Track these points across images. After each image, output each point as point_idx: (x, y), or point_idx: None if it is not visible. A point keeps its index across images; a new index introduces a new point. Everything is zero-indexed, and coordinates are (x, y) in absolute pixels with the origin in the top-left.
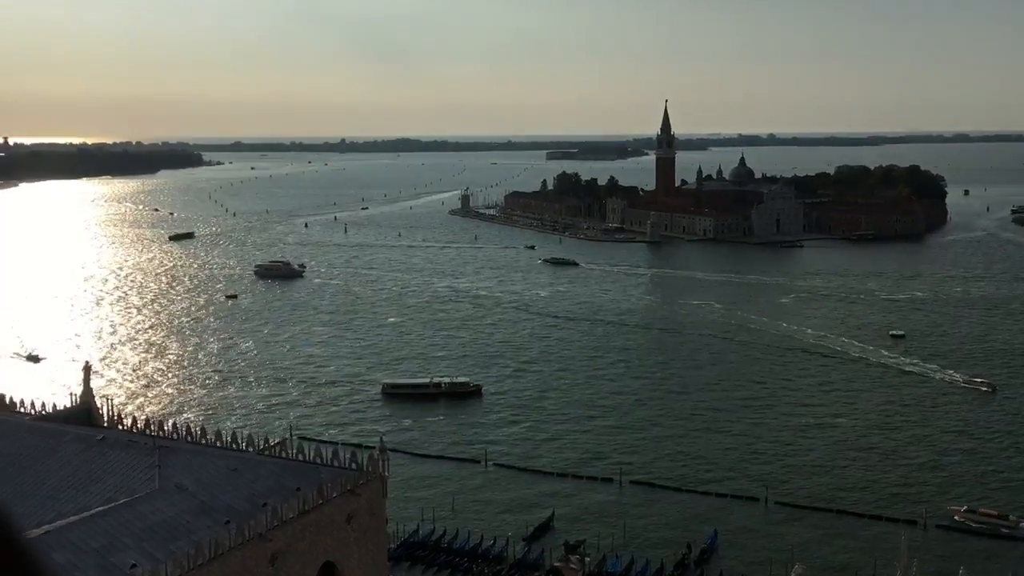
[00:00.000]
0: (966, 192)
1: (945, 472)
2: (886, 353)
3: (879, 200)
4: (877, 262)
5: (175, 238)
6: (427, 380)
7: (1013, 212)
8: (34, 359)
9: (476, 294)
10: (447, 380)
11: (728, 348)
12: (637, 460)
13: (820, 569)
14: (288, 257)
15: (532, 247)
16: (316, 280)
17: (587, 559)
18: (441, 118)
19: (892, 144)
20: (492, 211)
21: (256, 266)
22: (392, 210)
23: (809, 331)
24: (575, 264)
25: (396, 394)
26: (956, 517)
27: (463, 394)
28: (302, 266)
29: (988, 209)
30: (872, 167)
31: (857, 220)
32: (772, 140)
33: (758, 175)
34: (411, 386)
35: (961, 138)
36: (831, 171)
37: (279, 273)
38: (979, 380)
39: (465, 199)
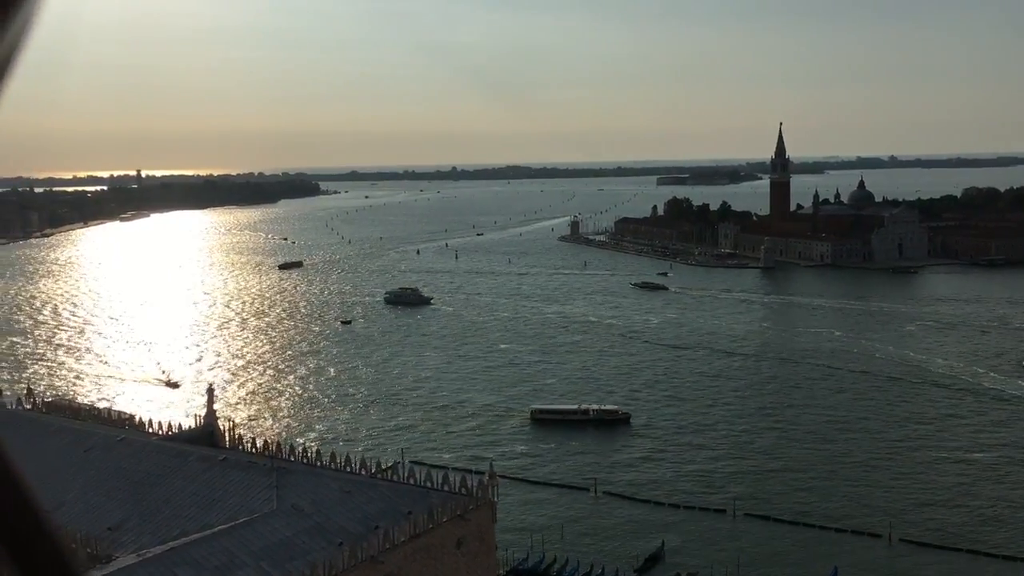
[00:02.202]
0: None
1: None
2: (1022, 384)
3: (1010, 223)
4: (1009, 288)
5: (284, 267)
6: (575, 406)
7: None
8: (173, 385)
9: (587, 320)
10: (596, 407)
11: (849, 378)
12: (752, 492)
13: None
14: (405, 283)
15: (664, 274)
16: (441, 308)
17: None
18: (551, 145)
19: None
20: (602, 237)
21: (386, 292)
22: (502, 237)
23: (939, 360)
24: (665, 288)
25: (544, 420)
26: None
27: (611, 421)
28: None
29: None
30: (1002, 189)
31: (986, 245)
32: (893, 162)
33: (878, 198)
34: (559, 412)
35: None
36: (958, 194)
37: (408, 300)
38: None
39: (574, 225)
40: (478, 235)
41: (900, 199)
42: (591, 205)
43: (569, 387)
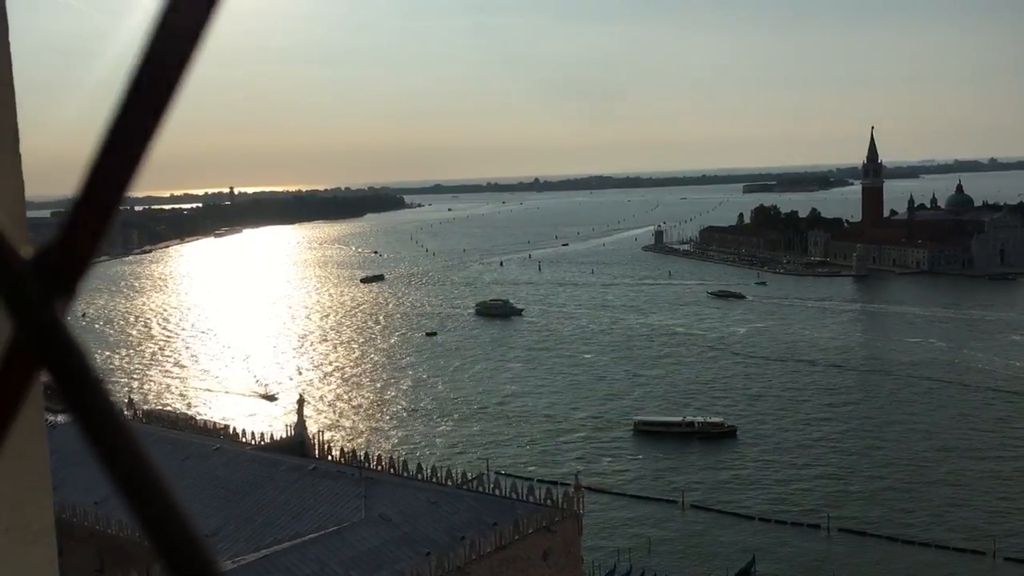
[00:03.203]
0: None
1: None
2: None
3: None
4: None
5: (366, 280)
6: (680, 419)
7: None
8: (270, 398)
9: (673, 331)
10: (700, 419)
11: (950, 391)
12: (847, 507)
13: None
14: (489, 295)
15: (763, 283)
16: (532, 319)
17: None
18: (635, 154)
19: None
20: (686, 246)
21: (476, 304)
22: (586, 247)
23: None
24: (742, 296)
25: (648, 432)
26: None
27: (717, 435)
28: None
29: None
30: None
31: None
32: (994, 165)
33: (978, 203)
34: (663, 424)
35: None
36: None
37: (499, 311)
38: None
39: (659, 235)
40: (563, 245)
41: (1001, 203)
42: (675, 214)
43: (655, 399)
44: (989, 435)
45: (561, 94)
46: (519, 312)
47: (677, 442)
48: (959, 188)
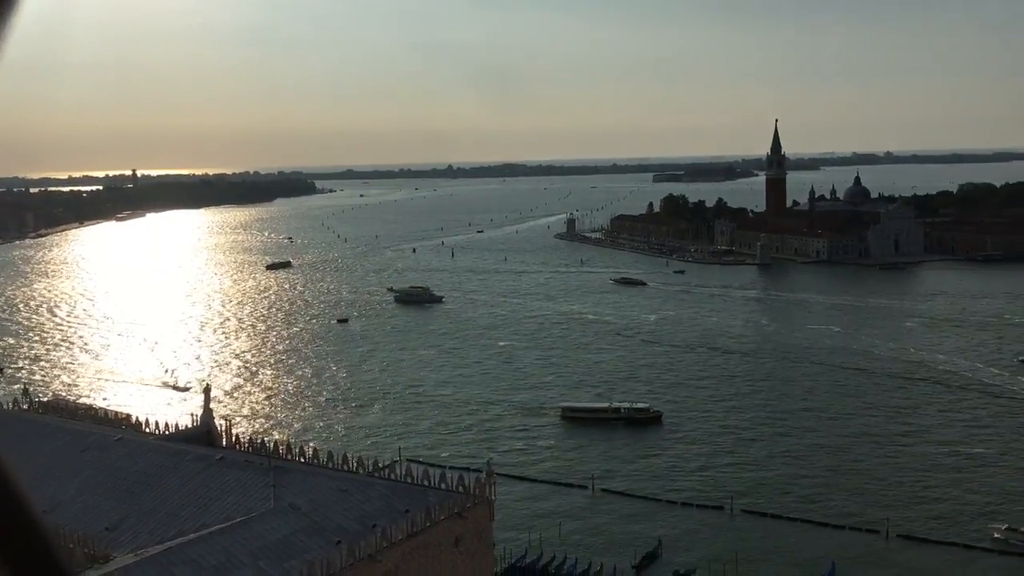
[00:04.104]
0: None
1: None
2: (1022, 379)
3: (1007, 219)
4: (1006, 284)
5: (272, 267)
6: (606, 405)
7: None
8: (175, 387)
9: (584, 318)
10: (627, 405)
11: (850, 375)
12: (752, 489)
13: None
14: (402, 282)
15: (681, 272)
16: (453, 306)
17: None
18: (548, 142)
19: (1021, 160)
20: (598, 234)
21: (395, 291)
22: (499, 234)
23: (939, 356)
24: (644, 284)
25: (575, 418)
26: (995, 535)
27: (643, 420)
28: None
29: None
30: (999, 185)
31: (982, 240)
32: (889, 158)
33: (874, 194)
34: (589, 410)
35: None
36: (953, 189)
37: (419, 298)
38: None
39: (571, 223)
40: (478, 232)
41: (896, 195)
42: (587, 202)
43: (573, 386)
44: (886, 419)
45: (475, 81)
46: (439, 299)
47: (603, 428)
48: (857, 180)
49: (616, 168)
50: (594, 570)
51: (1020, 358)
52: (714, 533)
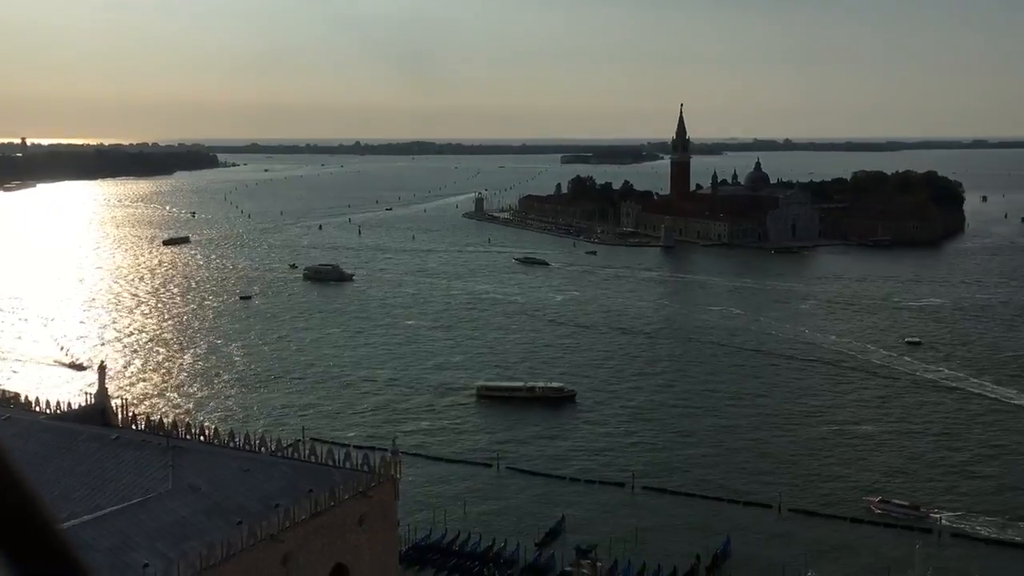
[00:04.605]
0: (984, 198)
1: (968, 478)
2: (908, 359)
3: (896, 206)
4: (894, 268)
5: (169, 242)
6: (522, 384)
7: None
8: (69, 365)
9: (492, 297)
10: (542, 384)
11: (749, 356)
12: (650, 466)
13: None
14: (308, 259)
15: (594, 253)
16: (363, 284)
17: (599, 564)
18: (457, 121)
19: (910, 150)
20: (506, 214)
21: (305, 269)
22: (408, 212)
23: (832, 337)
24: (546, 263)
25: (491, 396)
26: (871, 507)
27: (558, 399)
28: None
29: (1006, 216)
30: (889, 173)
31: (873, 226)
32: (788, 145)
33: (773, 180)
34: (505, 389)
35: (979, 144)
36: (847, 177)
37: (329, 276)
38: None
39: (479, 202)
40: (386, 210)
41: (794, 181)
42: (496, 182)
43: (480, 365)
44: (782, 399)
45: (384, 56)
46: (349, 277)
47: (519, 407)
48: (757, 166)
49: (525, 148)
50: (497, 547)
51: (907, 340)
52: (616, 510)
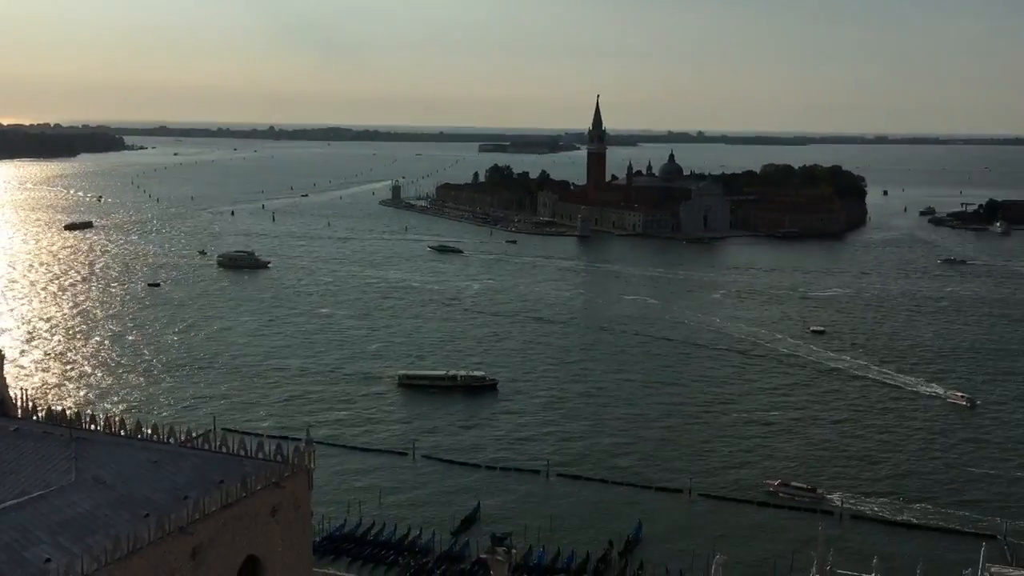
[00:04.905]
0: (885, 192)
1: (870, 463)
2: (814, 348)
3: (802, 199)
4: (800, 259)
5: (72, 227)
6: (443, 372)
7: (921, 214)
8: None
9: (409, 285)
10: (463, 373)
11: (663, 345)
12: (565, 453)
13: (742, 559)
14: (217, 246)
15: (514, 242)
16: (276, 272)
17: (514, 551)
18: (374, 107)
19: (817, 144)
20: (423, 202)
21: (219, 256)
22: (323, 199)
23: (742, 326)
24: (460, 251)
25: (412, 385)
26: (770, 489)
27: (479, 388)
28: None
29: (905, 209)
30: (796, 166)
31: (781, 218)
32: (701, 138)
33: (687, 172)
34: (427, 378)
35: (882, 140)
36: (757, 170)
37: (244, 263)
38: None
39: (396, 190)
40: (301, 196)
41: (706, 173)
42: (413, 170)
43: (398, 354)
44: (694, 388)
45: (300, 39)
46: (265, 265)
47: (441, 395)
48: (671, 158)
49: (443, 136)
50: (412, 536)
51: (812, 329)
52: (531, 497)
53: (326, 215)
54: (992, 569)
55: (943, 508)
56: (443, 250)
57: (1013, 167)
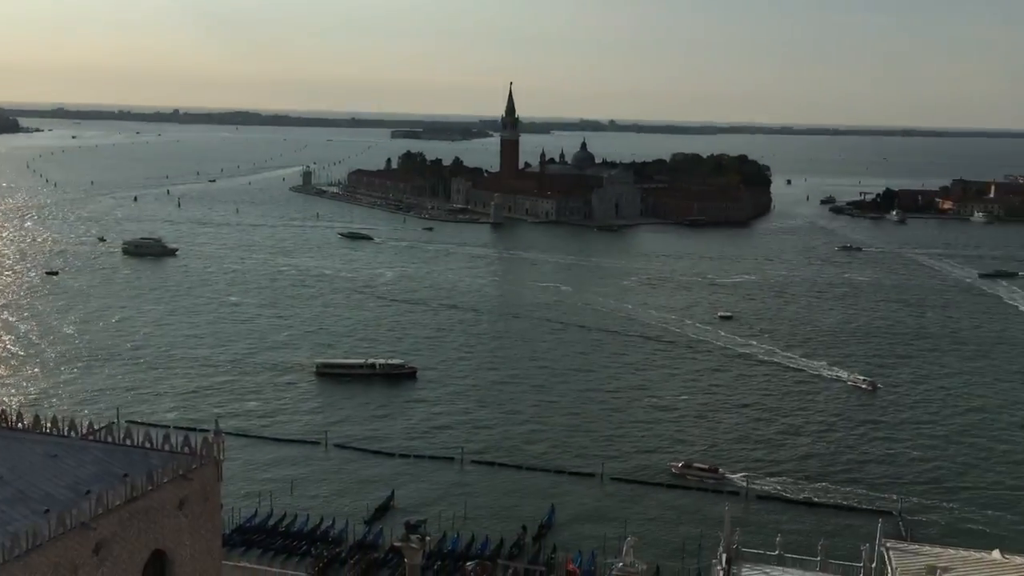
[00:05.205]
0: (788, 182)
1: (776, 446)
2: (722, 333)
3: (710, 187)
4: (708, 246)
5: None
6: (362, 361)
7: (822, 203)
8: None
9: (321, 273)
10: (382, 361)
11: (576, 332)
12: (480, 440)
13: (652, 540)
14: (119, 233)
15: (430, 228)
16: (187, 259)
17: (428, 538)
18: (284, 92)
19: (724, 134)
20: (335, 189)
21: (124, 243)
22: (231, 185)
23: (653, 312)
24: (370, 238)
25: (330, 374)
26: (673, 471)
27: (398, 376)
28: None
29: (807, 198)
30: (704, 155)
31: (689, 206)
32: (613, 126)
33: (599, 160)
34: (345, 366)
35: (786, 130)
36: (667, 158)
37: (150, 251)
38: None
39: (307, 176)
40: (209, 182)
41: (618, 161)
42: (324, 155)
43: (308, 342)
44: (606, 372)
45: (208, 22)
46: (172, 252)
47: (359, 384)
48: (583, 146)
49: (355, 122)
50: (325, 526)
51: (720, 315)
52: (445, 484)
53: (234, 201)
54: (888, 544)
55: (843, 487)
56: (353, 237)
57: (908, 158)
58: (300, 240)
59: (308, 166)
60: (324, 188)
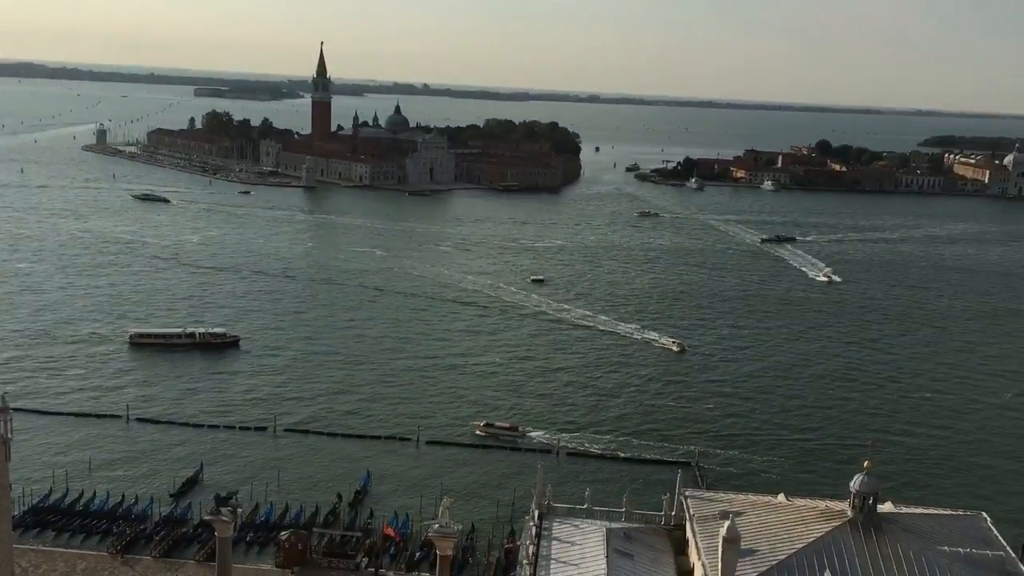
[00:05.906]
0: (597, 149)
1: (581, 405)
2: (535, 296)
3: (523, 154)
4: (521, 212)
5: None
6: (179, 330)
7: (627, 170)
8: None
9: (120, 238)
10: (202, 330)
11: (393, 298)
12: (295, 411)
13: (469, 501)
14: None
15: (247, 192)
16: None
17: (240, 510)
18: (74, 43)
19: (535, 101)
20: (133, 148)
21: None
22: (14, 142)
23: (469, 277)
24: (167, 201)
25: (145, 344)
26: (477, 432)
27: (220, 345)
28: None
29: (615, 165)
30: (517, 122)
31: (503, 172)
32: (427, 90)
33: (413, 124)
34: (161, 336)
35: (594, 99)
36: (481, 124)
37: None
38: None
39: (101, 134)
40: None
41: (432, 126)
42: (120, 113)
43: (110, 311)
44: (424, 340)
45: None
46: None
47: (178, 354)
48: (397, 109)
49: (154, 78)
50: (127, 503)
51: (532, 279)
52: (258, 453)
53: (18, 160)
54: (686, 492)
55: (648, 442)
56: (147, 199)
57: (708, 127)
58: (95, 203)
59: (102, 124)
60: (120, 148)
